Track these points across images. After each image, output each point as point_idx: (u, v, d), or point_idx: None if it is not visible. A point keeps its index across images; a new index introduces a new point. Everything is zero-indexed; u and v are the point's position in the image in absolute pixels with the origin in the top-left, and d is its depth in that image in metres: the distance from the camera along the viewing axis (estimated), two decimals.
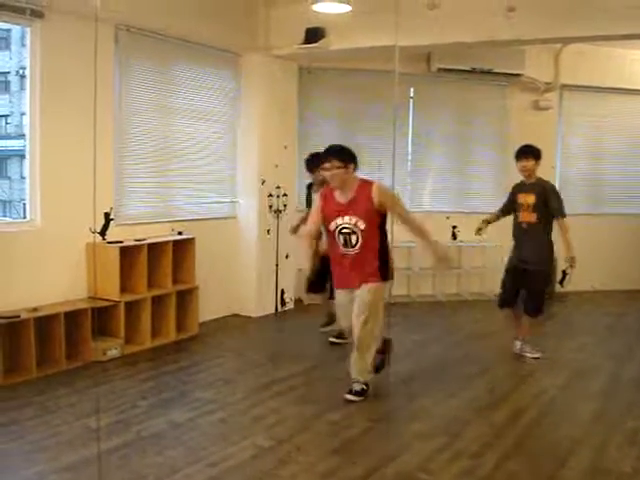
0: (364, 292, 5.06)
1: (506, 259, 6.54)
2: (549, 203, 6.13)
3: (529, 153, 6.27)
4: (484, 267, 9.47)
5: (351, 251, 5.10)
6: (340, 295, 5.34)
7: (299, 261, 8.07)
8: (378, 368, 5.37)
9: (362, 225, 5.02)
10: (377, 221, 5.07)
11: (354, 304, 5.09)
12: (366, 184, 5.10)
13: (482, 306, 8.89)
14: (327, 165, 5.12)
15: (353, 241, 5.06)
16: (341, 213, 5.08)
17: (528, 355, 6.38)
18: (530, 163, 6.25)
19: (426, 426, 4.75)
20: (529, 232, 6.23)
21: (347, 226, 5.06)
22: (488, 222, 6.66)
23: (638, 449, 4.41)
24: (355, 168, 5.15)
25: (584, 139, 10.09)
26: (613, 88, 9.76)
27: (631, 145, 10.16)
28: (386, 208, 5.07)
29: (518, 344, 6.46)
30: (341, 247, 5.14)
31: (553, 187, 6.37)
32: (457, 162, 9.63)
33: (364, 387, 5.16)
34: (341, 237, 5.10)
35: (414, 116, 9.40)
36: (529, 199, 6.20)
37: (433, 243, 5.20)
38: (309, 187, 7.16)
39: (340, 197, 5.13)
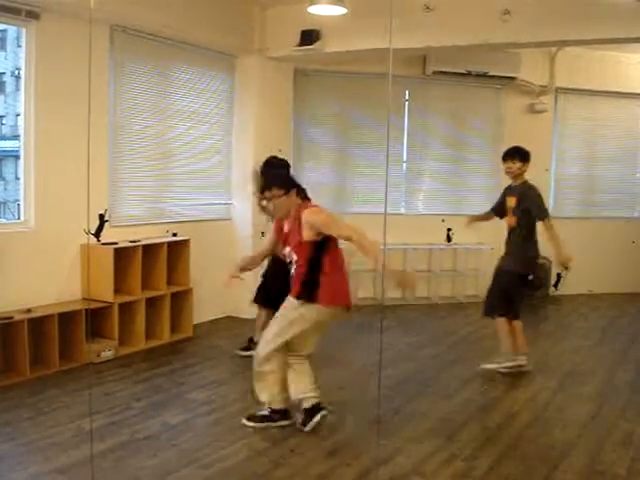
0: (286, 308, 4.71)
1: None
2: (530, 207, 5.87)
3: (515, 154, 6.06)
4: (479, 270, 9.48)
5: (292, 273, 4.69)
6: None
7: None
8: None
9: (294, 256, 4.61)
10: (310, 248, 4.52)
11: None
12: (299, 210, 4.57)
13: (477, 309, 8.85)
14: (268, 194, 4.63)
15: (293, 267, 4.64)
16: (285, 242, 4.70)
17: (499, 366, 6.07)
18: (516, 165, 6.00)
19: (420, 428, 4.75)
20: (510, 235, 6.05)
21: (290, 257, 4.66)
22: (477, 218, 6.61)
23: (632, 451, 4.42)
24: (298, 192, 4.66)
25: (579, 142, 10.12)
26: (608, 92, 9.79)
27: (626, 148, 10.20)
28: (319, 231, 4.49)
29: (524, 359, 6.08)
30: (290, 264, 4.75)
31: (534, 190, 5.97)
32: (452, 165, 9.64)
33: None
34: (289, 260, 4.70)
35: (409, 119, 9.41)
36: (512, 202, 6.03)
37: (375, 255, 4.44)
38: None
39: (285, 224, 4.72)
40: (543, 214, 5.84)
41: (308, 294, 4.51)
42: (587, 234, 9.64)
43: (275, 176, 4.80)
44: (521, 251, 5.97)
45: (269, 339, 4.62)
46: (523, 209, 5.90)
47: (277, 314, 4.70)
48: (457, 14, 6.69)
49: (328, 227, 4.48)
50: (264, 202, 5.16)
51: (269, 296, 5.93)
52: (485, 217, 6.56)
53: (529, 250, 5.99)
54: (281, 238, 4.73)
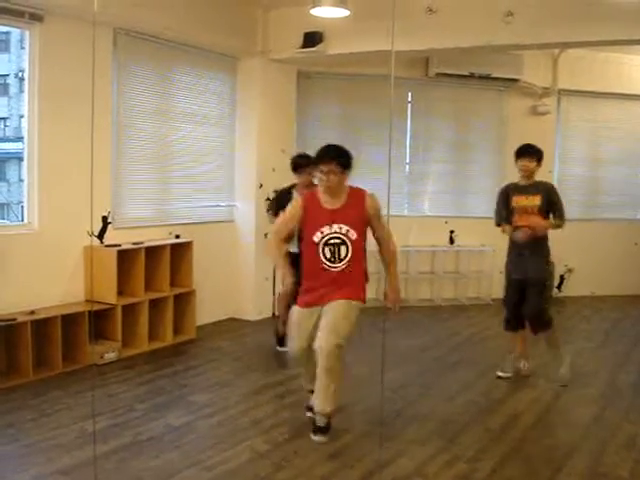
0: (341, 306, 4.45)
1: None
2: (556, 205, 5.72)
3: (533, 153, 5.82)
4: (481, 272, 9.48)
5: (337, 266, 4.48)
6: (301, 313, 4.58)
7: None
8: None
9: (354, 235, 4.46)
10: (364, 234, 4.56)
11: (323, 321, 4.44)
12: (358, 191, 4.61)
13: (479, 310, 8.90)
14: (324, 168, 4.44)
15: (342, 253, 4.46)
16: (329, 221, 4.47)
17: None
18: (532, 164, 5.79)
19: (422, 430, 4.75)
20: (534, 240, 5.66)
21: (337, 236, 4.46)
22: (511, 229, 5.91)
23: (635, 453, 4.41)
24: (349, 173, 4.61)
25: (582, 144, 10.11)
26: (611, 93, 9.78)
27: (629, 150, 10.19)
28: (371, 221, 4.56)
29: (525, 364, 6.10)
30: (324, 261, 4.48)
31: (557, 190, 5.90)
32: (455, 166, 9.64)
33: (328, 421, 4.57)
34: (327, 249, 4.46)
35: (412, 120, 9.41)
36: (534, 201, 5.70)
37: (396, 275, 4.67)
38: (287, 191, 6.44)
39: (328, 203, 4.53)
40: (564, 217, 5.77)
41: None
42: (590, 236, 9.63)
43: (337, 151, 4.55)
44: (548, 255, 5.83)
45: (346, 336, 4.43)
46: (549, 208, 5.73)
47: (343, 313, 4.45)
48: (459, 16, 6.70)
49: (381, 217, 4.61)
50: (310, 176, 5.10)
51: None
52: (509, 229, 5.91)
53: (549, 250, 5.84)
54: (318, 218, 4.51)
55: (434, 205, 9.61)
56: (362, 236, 4.54)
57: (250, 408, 5.13)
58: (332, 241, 4.48)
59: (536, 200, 5.71)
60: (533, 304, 5.72)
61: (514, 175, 9.17)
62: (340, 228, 4.47)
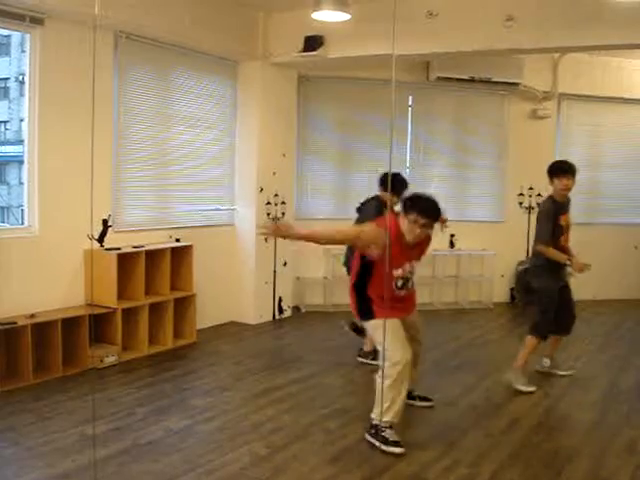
0: (414, 316, 5.05)
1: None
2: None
3: (572, 172, 5.73)
4: (482, 276, 9.48)
5: (402, 292, 4.74)
6: (395, 323, 4.62)
7: (284, 252, 8.06)
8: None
9: (415, 270, 4.80)
10: None
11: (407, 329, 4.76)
12: (427, 234, 4.75)
13: (480, 315, 8.90)
14: (427, 223, 4.53)
15: (409, 284, 4.76)
16: (409, 258, 4.69)
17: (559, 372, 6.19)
18: (571, 182, 5.72)
19: (423, 435, 4.75)
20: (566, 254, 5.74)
21: (409, 275, 4.73)
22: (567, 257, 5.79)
23: (636, 458, 4.40)
24: None
25: (582, 148, 10.09)
26: (611, 97, 9.79)
27: (629, 154, 10.18)
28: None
29: (548, 361, 6.24)
30: (394, 289, 4.68)
31: (540, 210, 5.98)
32: (455, 170, 9.64)
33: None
34: (400, 281, 4.69)
35: (413, 125, 9.42)
36: (569, 220, 5.79)
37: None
38: (379, 204, 6.17)
39: (407, 243, 4.61)
40: None
41: None
42: (591, 240, 9.60)
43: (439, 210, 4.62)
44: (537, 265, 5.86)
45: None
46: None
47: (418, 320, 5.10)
48: (460, 20, 6.70)
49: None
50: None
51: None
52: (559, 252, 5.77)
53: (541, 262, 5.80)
54: (402, 254, 4.59)
55: None
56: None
57: (250, 412, 5.13)
58: (407, 275, 4.70)
59: (570, 219, 5.79)
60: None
61: (515, 179, 9.23)
62: (412, 267, 4.72)
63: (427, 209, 4.53)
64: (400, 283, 4.68)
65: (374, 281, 4.67)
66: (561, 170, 5.71)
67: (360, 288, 4.73)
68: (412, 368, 4.73)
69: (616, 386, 5.99)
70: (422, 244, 4.74)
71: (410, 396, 4.99)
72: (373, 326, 4.71)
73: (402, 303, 4.82)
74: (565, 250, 5.73)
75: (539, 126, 9.69)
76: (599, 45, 6.65)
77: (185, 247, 7.08)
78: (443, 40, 6.85)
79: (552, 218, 5.65)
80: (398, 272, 4.62)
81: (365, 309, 4.72)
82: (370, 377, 5.22)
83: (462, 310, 9.25)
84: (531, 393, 5.69)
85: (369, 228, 4.64)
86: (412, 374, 4.82)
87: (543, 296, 5.79)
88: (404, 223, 4.52)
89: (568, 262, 5.62)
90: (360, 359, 6.50)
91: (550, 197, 5.78)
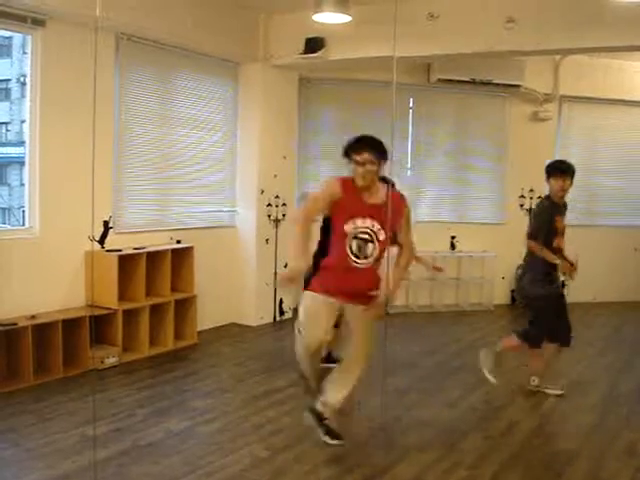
0: (360, 319, 4.33)
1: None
2: None
3: (571, 173, 5.49)
4: (483, 278, 9.48)
5: (360, 263, 4.25)
6: (317, 299, 4.31)
7: (284, 254, 8.05)
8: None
9: (382, 236, 4.24)
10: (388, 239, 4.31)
11: (349, 328, 4.38)
12: (395, 193, 4.45)
13: (481, 316, 8.90)
14: (360, 158, 4.21)
15: (368, 251, 4.24)
16: (365, 214, 4.23)
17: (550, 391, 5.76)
18: (568, 183, 5.48)
19: (423, 437, 4.75)
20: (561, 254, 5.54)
21: (367, 231, 4.23)
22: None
23: (636, 461, 4.40)
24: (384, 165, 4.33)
25: (583, 150, 10.10)
26: (612, 100, 9.78)
27: (630, 156, 10.18)
28: (402, 226, 4.40)
29: (536, 379, 5.78)
30: (349, 255, 4.24)
31: (538, 207, 5.76)
32: (456, 172, 9.64)
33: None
34: (354, 243, 4.23)
35: (414, 126, 9.42)
36: (562, 222, 5.55)
37: (400, 280, 4.52)
38: None
39: (365, 196, 4.27)
40: None
41: None
42: (591, 242, 9.61)
43: (373, 141, 4.26)
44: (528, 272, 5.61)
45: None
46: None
47: (369, 327, 4.40)
48: (461, 22, 6.71)
49: (409, 224, 4.47)
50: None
51: None
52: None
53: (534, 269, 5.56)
54: (354, 207, 4.24)
55: (435, 211, 9.61)
56: (387, 240, 4.30)
57: (250, 414, 5.13)
58: (362, 236, 4.24)
59: (563, 222, 5.57)
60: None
61: (515, 181, 9.22)
62: (373, 225, 4.24)
63: (353, 142, 4.29)
64: (355, 246, 4.23)
65: (331, 242, 4.37)
66: (559, 170, 5.53)
67: (317, 257, 4.54)
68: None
69: (616, 389, 5.99)
70: (387, 203, 4.21)
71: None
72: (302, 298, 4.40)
73: (351, 279, 4.28)
74: (557, 253, 5.52)
75: (540, 128, 9.69)
76: (600, 47, 6.67)
77: (186, 249, 7.08)
78: (444, 42, 6.86)
79: (548, 217, 5.50)
80: (349, 227, 4.21)
81: (308, 279, 4.47)
82: (369, 378, 5.22)
83: (463, 312, 9.25)
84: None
85: (321, 187, 4.44)
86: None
87: (537, 304, 5.58)
88: (351, 173, 4.29)
89: (557, 261, 5.43)
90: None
91: (548, 197, 5.64)
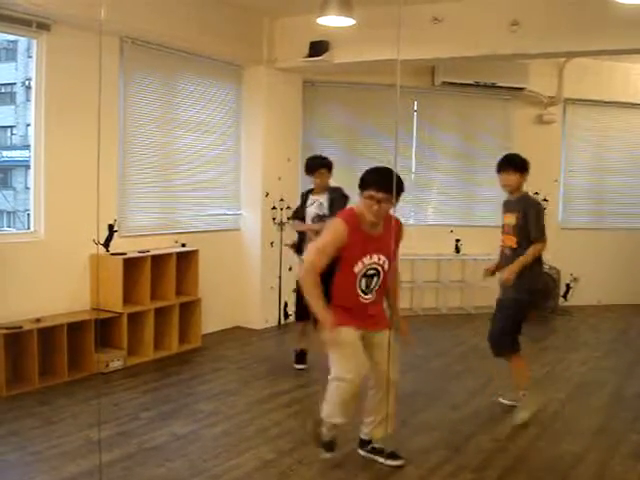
0: (388, 339, 4.14)
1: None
2: (528, 223, 5.11)
3: (508, 165, 5.21)
4: (487, 281, 9.44)
5: (368, 298, 4.16)
6: (352, 333, 4.11)
7: (289, 257, 8.07)
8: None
9: (387, 266, 4.16)
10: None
11: (376, 351, 4.19)
12: (390, 217, 4.14)
13: (485, 319, 8.83)
14: (381, 196, 3.97)
15: (373, 284, 4.14)
16: (371, 250, 4.09)
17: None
18: (512, 177, 5.17)
19: (428, 439, 4.74)
20: (510, 259, 5.18)
21: (375, 267, 4.12)
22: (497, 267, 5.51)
23: None
24: None
25: (588, 153, 10.09)
26: (617, 102, 9.77)
27: (635, 159, 10.16)
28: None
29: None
30: (359, 293, 4.13)
31: (537, 205, 5.26)
32: (460, 175, 9.64)
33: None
34: (364, 281, 4.12)
35: (418, 129, 9.42)
36: (510, 219, 5.21)
37: (398, 312, 4.42)
38: (306, 195, 6.45)
39: (370, 229, 4.10)
40: (538, 235, 5.11)
41: None
42: (596, 245, 9.62)
43: (399, 180, 3.99)
44: (527, 278, 5.14)
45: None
46: (523, 227, 5.14)
47: (395, 345, 4.24)
48: (465, 25, 6.71)
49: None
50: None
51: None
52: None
53: (535, 275, 5.23)
54: (362, 246, 4.08)
55: (440, 214, 9.61)
56: (393, 266, 4.26)
57: (255, 417, 5.13)
58: (370, 272, 4.12)
59: (511, 219, 5.20)
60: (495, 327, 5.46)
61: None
62: (379, 259, 4.12)
63: (376, 177, 4.08)
64: (364, 284, 4.12)
65: (337, 283, 4.12)
66: (497, 166, 5.30)
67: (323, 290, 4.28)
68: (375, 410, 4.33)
69: (621, 392, 5.98)
70: (389, 231, 4.07)
71: (372, 449, 4.40)
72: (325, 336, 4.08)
73: (366, 315, 4.20)
74: (502, 250, 5.40)
75: (544, 131, 9.68)
76: (605, 50, 6.66)
77: (191, 252, 7.09)
78: (448, 45, 6.86)
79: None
80: (358, 267, 4.07)
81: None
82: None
83: (467, 315, 9.24)
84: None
85: (328, 231, 4.15)
86: (373, 417, 4.35)
87: (512, 307, 5.29)
88: (361, 204, 4.08)
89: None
90: None
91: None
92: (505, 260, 5.29)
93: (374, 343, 4.19)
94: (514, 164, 5.22)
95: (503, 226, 5.34)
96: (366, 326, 4.17)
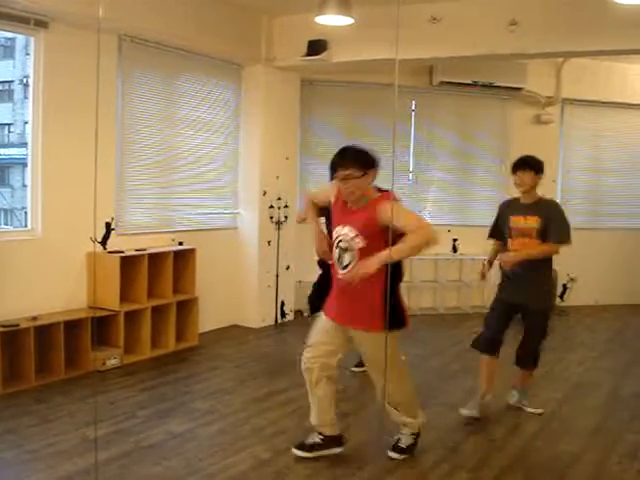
0: (364, 345, 4.29)
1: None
2: (552, 227, 5.04)
3: (524, 164, 5.21)
4: (484, 281, 9.45)
5: (342, 273, 4.12)
6: (322, 317, 4.35)
7: (286, 256, 8.09)
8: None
9: (357, 245, 4.02)
10: (379, 247, 3.89)
11: (357, 346, 4.34)
12: (379, 198, 4.06)
13: (482, 319, 8.86)
14: (341, 174, 4.01)
15: (345, 261, 4.08)
16: (344, 221, 4.13)
17: (530, 410, 5.38)
18: (528, 176, 5.15)
19: (425, 439, 4.73)
20: (528, 264, 5.05)
21: (343, 239, 4.10)
22: (490, 262, 5.66)
23: (638, 463, 4.40)
24: (375, 176, 4.09)
25: (585, 153, 10.10)
26: (614, 103, 9.78)
27: (632, 159, 10.17)
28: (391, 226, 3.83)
29: (515, 394, 5.49)
30: (336, 266, 4.18)
31: (560, 206, 5.28)
32: (458, 175, 9.64)
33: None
34: (336, 252, 4.15)
35: (416, 129, 9.42)
36: (531, 223, 5.09)
37: (393, 252, 3.85)
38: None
39: (351, 204, 4.14)
40: (565, 238, 5.08)
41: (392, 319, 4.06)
42: (594, 245, 9.62)
43: (360, 154, 4.08)
44: (549, 284, 5.35)
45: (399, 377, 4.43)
46: (546, 230, 5.05)
47: (371, 355, 4.33)
48: (463, 25, 6.71)
49: (398, 218, 3.90)
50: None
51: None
52: (495, 254, 5.60)
53: (552, 280, 5.30)
54: (337, 214, 4.22)
55: (437, 213, 9.60)
56: (373, 247, 3.93)
57: (252, 416, 5.13)
58: (340, 244, 4.12)
59: (533, 222, 5.09)
60: (530, 340, 5.31)
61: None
62: (350, 231, 4.07)
63: (334, 158, 4.12)
64: (336, 254, 4.13)
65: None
66: (514, 165, 5.34)
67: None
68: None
69: (618, 392, 5.99)
70: (366, 209, 4.03)
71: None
72: None
73: (339, 300, 4.24)
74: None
75: (542, 131, 9.68)
76: (604, 50, 6.65)
77: (188, 250, 7.08)
78: (446, 45, 6.85)
79: (497, 218, 5.53)
80: (334, 236, 4.17)
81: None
82: (371, 380, 5.23)
83: (464, 315, 9.25)
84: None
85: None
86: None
87: (546, 318, 5.31)
88: None
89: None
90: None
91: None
92: (520, 266, 5.08)
93: (352, 337, 4.27)
94: (530, 164, 5.21)
95: (510, 229, 5.24)
96: (336, 317, 4.24)
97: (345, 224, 4.11)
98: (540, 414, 5.31)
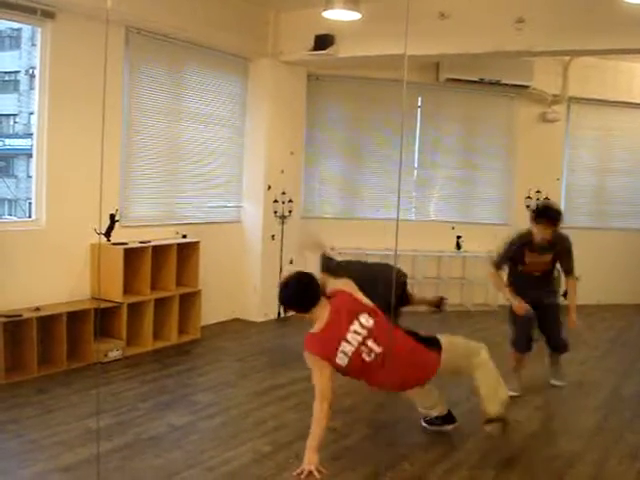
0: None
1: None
2: (565, 260, 5.68)
3: (555, 219, 5.46)
4: (488, 278, 9.44)
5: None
6: None
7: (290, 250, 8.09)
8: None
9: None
10: None
11: None
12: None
13: (485, 317, 8.88)
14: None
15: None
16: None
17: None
18: (549, 231, 5.43)
19: (425, 436, 4.74)
20: (543, 276, 5.75)
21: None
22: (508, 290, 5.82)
23: (639, 463, 4.38)
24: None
25: (591, 152, 10.08)
26: (621, 102, 9.75)
27: (638, 160, 10.15)
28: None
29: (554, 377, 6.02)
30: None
31: (569, 240, 5.68)
32: (463, 172, 9.63)
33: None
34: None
35: (422, 125, 9.41)
36: (545, 259, 5.64)
37: None
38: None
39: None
40: (573, 270, 5.78)
41: None
42: (597, 244, 9.60)
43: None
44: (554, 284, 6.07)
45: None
46: (559, 261, 5.75)
47: None
48: (471, 22, 6.69)
49: None
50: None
51: None
52: (502, 277, 5.98)
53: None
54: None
55: (441, 210, 9.60)
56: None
57: (253, 409, 5.13)
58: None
59: (547, 258, 5.67)
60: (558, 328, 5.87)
61: (522, 181, 9.18)
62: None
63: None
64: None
65: None
66: (541, 215, 5.52)
67: None
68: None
69: (619, 391, 5.97)
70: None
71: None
72: None
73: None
74: (530, 273, 5.80)
75: (548, 129, 9.67)
76: (612, 49, 6.64)
77: (191, 243, 7.08)
78: (454, 41, 6.84)
79: (512, 248, 5.77)
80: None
81: None
82: None
83: (467, 312, 9.24)
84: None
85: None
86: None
87: (559, 309, 5.96)
88: None
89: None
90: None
91: None
92: (535, 279, 5.74)
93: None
94: (553, 219, 5.47)
95: (528, 264, 5.67)
96: None
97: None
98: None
